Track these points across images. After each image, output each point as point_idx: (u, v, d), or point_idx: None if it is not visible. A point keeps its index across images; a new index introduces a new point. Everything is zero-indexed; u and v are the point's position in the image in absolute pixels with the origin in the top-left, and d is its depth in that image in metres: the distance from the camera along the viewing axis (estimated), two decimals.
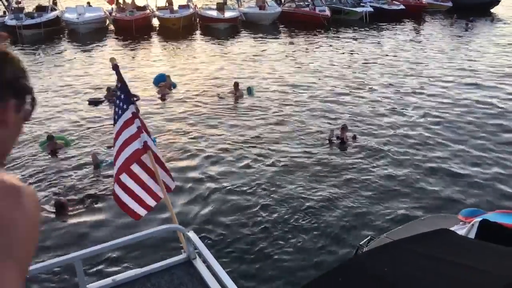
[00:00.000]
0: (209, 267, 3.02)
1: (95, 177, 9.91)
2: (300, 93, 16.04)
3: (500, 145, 11.27)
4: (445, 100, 14.80)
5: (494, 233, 4.84)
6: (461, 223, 5.94)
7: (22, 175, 10.25)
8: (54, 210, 8.54)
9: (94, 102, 15.08)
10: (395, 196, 8.92)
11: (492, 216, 5.68)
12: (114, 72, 4.98)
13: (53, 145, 11.50)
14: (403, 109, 14.06)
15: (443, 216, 6.79)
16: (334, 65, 20.21)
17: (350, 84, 16.97)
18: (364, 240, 6.46)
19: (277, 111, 14.17)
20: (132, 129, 4.77)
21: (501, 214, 6.01)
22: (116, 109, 4.93)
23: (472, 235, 4.95)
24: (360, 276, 3.78)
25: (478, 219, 5.18)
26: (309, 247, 7.44)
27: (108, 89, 15.25)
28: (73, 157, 11.15)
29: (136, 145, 4.73)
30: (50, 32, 27.80)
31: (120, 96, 4.92)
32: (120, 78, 4.98)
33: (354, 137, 11.44)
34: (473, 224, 5.06)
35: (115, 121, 4.92)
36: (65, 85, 17.75)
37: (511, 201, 8.59)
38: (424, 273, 3.61)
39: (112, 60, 4.99)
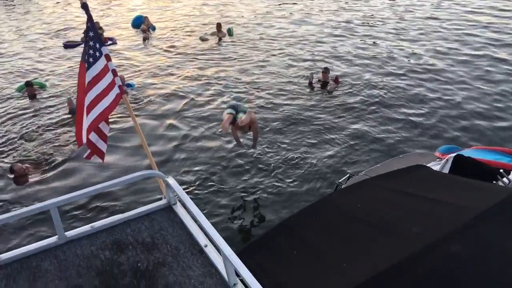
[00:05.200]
0: (189, 212, 3.00)
1: (70, 124, 9.73)
2: (282, 35, 15.68)
3: (481, 84, 11.26)
4: (426, 41, 14.59)
5: (468, 167, 4.90)
6: (437, 159, 6.01)
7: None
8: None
9: (70, 46, 14.61)
10: (376, 135, 8.97)
11: (469, 152, 5.74)
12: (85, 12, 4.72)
13: (31, 90, 11.30)
14: (387, 50, 13.85)
15: (420, 154, 6.86)
16: (317, 7, 19.64)
17: (333, 26, 16.59)
18: (343, 178, 6.52)
19: (259, 53, 13.89)
20: (109, 76, 4.59)
21: (478, 150, 6.09)
22: (90, 52, 4.68)
23: (446, 170, 5.03)
24: (334, 213, 3.84)
25: (453, 154, 5.23)
26: (289, 188, 7.50)
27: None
28: (49, 102, 10.93)
29: (116, 90, 4.58)
30: None
31: (93, 37, 4.68)
32: (89, 19, 4.73)
33: (336, 79, 11.32)
34: (447, 160, 5.12)
35: (89, 66, 4.67)
36: (39, 28, 17.09)
37: (489, 138, 8.72)
38: (396, 208, 3.67)
39: None
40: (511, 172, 4.91)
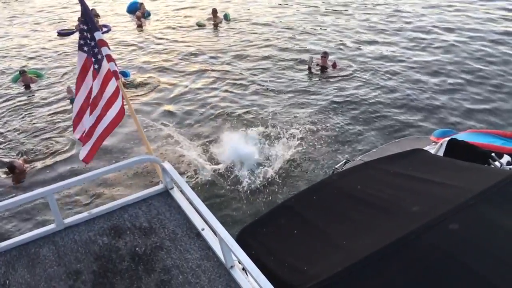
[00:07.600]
0: (185, 196, 3.02)
1: (68, 112, 9.68)
2: (280, 19, 15.57)
3: (478, 69, 11.25)
4: (424, 24, 14.53)
5: (461, 151, 4.94)
6: (433, 143, 6.04)
7: None
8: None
9: (64, 34, 14.50)
10: (372, 121, 9.00)
11: (463, 136, 5.77)
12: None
13: (26, 79, 11.22)
14: (383, 34, 13.79)
15: (416, 138, 6.88)
16: None
17: (330, 8, 16.48)
18: (340, 163, 6.55)
19: (256, 38, 13.82)
20: (113, 83, 4.28)
21: (472, 133, 6.11)
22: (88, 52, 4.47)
23: (440, 154, 5.06)
24: (334, 193, 3.88)
25: (447, 138, 5.27)
26: (285, 173, 7.49)
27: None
28: (45, 91, 10.90)
29: (119, 103, 4.27)
30: None
31: (88, 29, 4.52)
32: (85, 10, 4.57)
33: (334, 65, 11.28)
34: (441, 143, 5.15)
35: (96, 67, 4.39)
36: (33, 16, 16.94)
37: (485, 121, 8.76)
38: (395, 189, 3.71)
39: None
40: (504, 156, 4.97)
